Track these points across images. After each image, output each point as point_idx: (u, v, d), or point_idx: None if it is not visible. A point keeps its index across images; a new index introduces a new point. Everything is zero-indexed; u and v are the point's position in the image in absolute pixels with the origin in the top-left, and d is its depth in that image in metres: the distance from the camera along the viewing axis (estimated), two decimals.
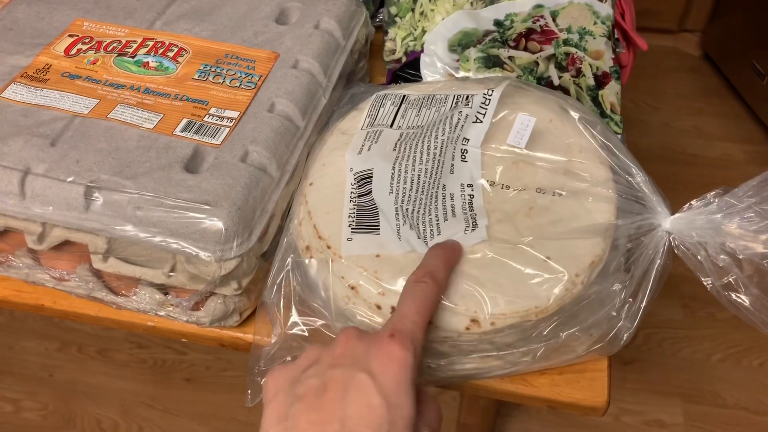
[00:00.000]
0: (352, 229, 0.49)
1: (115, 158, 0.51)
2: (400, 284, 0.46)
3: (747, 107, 1.85)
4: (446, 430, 1.28)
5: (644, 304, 0.47)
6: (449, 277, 0.45)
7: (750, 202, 0.45)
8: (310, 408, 0.36)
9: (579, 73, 0.64)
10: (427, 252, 0.46)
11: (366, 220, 0.49)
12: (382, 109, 0.57)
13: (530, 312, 0.45)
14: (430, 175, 0.51)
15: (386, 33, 0.73)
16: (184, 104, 0.55)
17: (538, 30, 0.66)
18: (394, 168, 0.52)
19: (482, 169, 0.51)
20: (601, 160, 0.51)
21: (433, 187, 0.50)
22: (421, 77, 0.67)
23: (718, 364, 1.37)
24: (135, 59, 0.59)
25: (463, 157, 0.51)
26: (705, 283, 0.46)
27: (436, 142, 0.52)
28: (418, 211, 0.49)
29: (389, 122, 0.56)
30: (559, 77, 0.64)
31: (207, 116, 0.54)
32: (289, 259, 0.50)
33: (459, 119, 0.53)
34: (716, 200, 0.46)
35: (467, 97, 0.55)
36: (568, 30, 0.66)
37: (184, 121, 0.54)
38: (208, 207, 0.47)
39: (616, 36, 0.69)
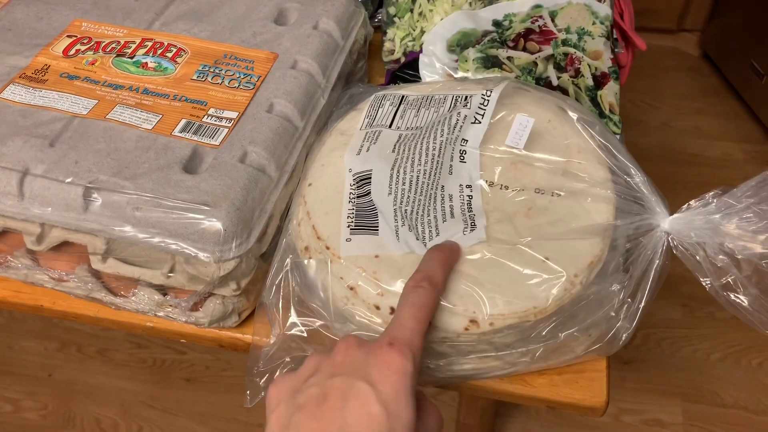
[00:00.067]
0: (350, 229, 0.49)
1: (113, 159, 0.51)
2: (399, 285, 0.46)
3: (746, 107, 1.85)
4: (446, 430, 1.28)
5: (643, 304, 0.47)
6: (447, 279, 0.45)
7: (748, 202, 0.45)
8: (311, 417, 0.36)
9: (578, 73, 0.64)
10: (425, 255, 0.46)
11: (365, 221, 0.49)
12: (380, 110, 0.57)
13: (529, 312, 0.45)
14: (429, 176, 0.51)
15: (385, 33, 0.73)
16: (182, 105, 0.55)
17: (537, 30, 0.66)
18: (393, 169, 0.52)
19: (481, 169, 0.51)
20: (599, 160, 0.51)
21: (431, 188, 0.50)
22: (419, 78, 0.67)
23: (717, 363, 1.38)
24: (134, 60, 0.59)
25: (461, 157, 0.51)
26: (703, 284, 0.46)
27: (435, 143, 0.52)
28: (417, 212, 0.49)
29: (388, 123, 0.56)
30: (558, 77, 0.64)
31: (206, 117, 0.54)
32: (288, 260, 0.50)
33: (458, 120, 0.53)
34: (715, 200, 0.46)
35: (466, 97, 0.55)
36: (567, 30, 0.66)
37: (183, 121, 0.54)
38: (206, 208, 0.47)
39: (614, 36, 0.69)
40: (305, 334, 0.49)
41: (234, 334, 0.55)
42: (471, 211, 0.49)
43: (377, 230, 0.48)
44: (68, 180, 0.49)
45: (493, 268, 0.46)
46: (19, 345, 1.44)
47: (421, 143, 0.53)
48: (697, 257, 0.46)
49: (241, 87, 0.57)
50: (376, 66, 0.75)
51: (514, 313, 0.45)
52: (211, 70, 0.58)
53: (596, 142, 0.51)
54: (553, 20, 0.66)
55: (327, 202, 0.51)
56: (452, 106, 0.55)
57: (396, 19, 0.72)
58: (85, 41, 0.61)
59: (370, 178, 0.51)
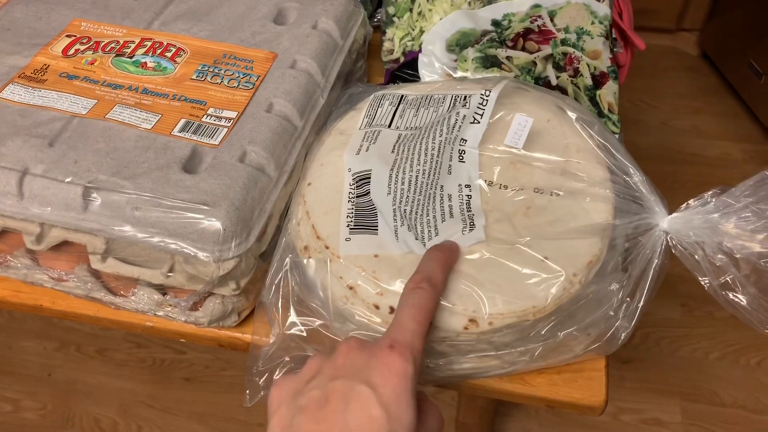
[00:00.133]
0: (350, 229, 0.49)
1: (113, 158, 0.51)
2: (398, 285, 0.46)
3: (745, 106, 1.85)
4: (445, 429, 1.28)
5: (642, 303, 0.47)
6: (447, 280, 0.45)
7: (747, 201, 0.45)
8: (312, 420, 0.36)
9: (577, 72, 0.64)
10: (424, 255, 0.46)
11: (364, 221, 0.49)
12: (380, 109, 0.57)
13: (528, 312, 0.45)
14: (428, 176, 0.51)
15: (384, 33, 0.73)
16: (182, 104, 0.55)
17: (536, 30, 0.66)
18: (392, 169, 0.52)
19: (480, 169, 0.51)
20: (598, 160, 0.51)
21: (431, 188, 0.50)
22: (419, 77, 0.67)
23: (716, 362, 1.38)
24: (133, 59, 0.59)
25: (460, 157, 0.51)
26: (702, 283, 0.46)
27: (434, 143, 0.52)
28: (416, 212, 0.49)
29: (387, 122, 0.56)
30: (557, 77, 0.64)
31: (205, 116, 0.54)
32: (287, 259, 0.50)
33: (456, 120, 0.53)
34: (713, 200, 0.46)
35: (465, 97, 0.55)
36: (566, 30, 0.66)
37: (182, 121, 0.54)
38: (206, 207, 0.47)
39: (613, 35, 0.69)
40: (305, 334, 0.49)
41: (233, 333, 0.55)
42: (470, 210, 0.49)
43: (376, 230, 0.49)
44: (68, 180, 0.49)
45: (492, 268, 0.46)
46: (18, 345, 1.44)
47: (421, 143, 0.53)
48: (696, 256, 0.46)
49: (240, 87, 0.57)
50: (375, 66, 0.75)
51: (513, 313, 0.45)
52: (211, 69, 0.58)
53: (595, 142, 0.52)
54: (552, 20, 0.66)
55: (326, 201, 0.52)
56: (451, 105, 0.55)
57: (395, 19, 0.72)
58: (84, 41, 0.61)
59: (370, 177, 0.51)
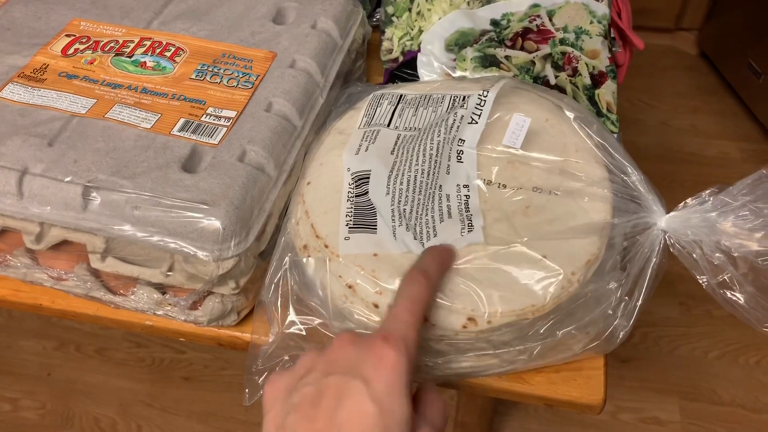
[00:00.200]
0: (349, 228, 0.49)
1: (112, 158, 0.51)
2: (397, 283, 0.46)
3: (744, 106, 1.85)
4: (445, 427, 1.28)
5: (640, 302, 0.47)
6: (443, 276, 0.45)
7: (745, 200, 0.45)
8: (306, 418, 0.36)
9: (575, 72, 0.64)
10: (422, 253, 0.46)
11: (363, 220, 0.49)
12: (379, 109, 0.57)
13: (527, 310, 0.45)
14: (427, 176, 0.51)
15: (383, 32, 0.73)
16: (181, 104, 0.55)
17: (535, 29, 0.66)
18: (391, 169, 0.52)
19: (478, 169, 0.51)
20: (596, 159, 0.51)
21: (429, 188, 0.50)
22: (418, 77, 0.67)
23: (715, 361, 1.38)
24: (132, 59, 0.59)
25: (459, 158, 0.51)
26: (700, 281, 0.46)
27: (432, 143, 0.52)
28: (415, 212, 0.49)
29: (386, 122, 0.56)
30: (556, 76, 0.64)
31: (204, 116, 0.55)
32: (286, 258, 0.51)
33: (455, 120, 0.53)
34: (711, 198, 0.46)
35: (463, 97, 0.55)
36: (565, 29, 0.66)
37: (182, 120, 0.54)
38: (205, 206, 0.48)
39: (612, 35, 0.69)
40: (304, 333, 0.49)
41: (233, 332, 0.55)
42: (468, 211, 0.49)
43: (375, 229, 0.49)
44: (67, 179, 0.49)
45: (490, 267, 0.46)
46: (17, 344, 1.44)
47: (419, 143, 0.53)
48: (694, 255, 0.46)
49: (239, 86, 0.57)
50: (374, 65, 0.75)
51: (512, 311, 0.45)
52: (210, 69, 0.58)
53: (593, 141, 0.52)
54: (550, 19, 0.67)
55: (325, 201, 0.52)
56: (450, 105, 0.55)
57: (394, 19, 0.72)
58: (83, 40, 0.61)
59: (369, 177, 0.51)
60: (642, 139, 1.79)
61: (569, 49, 0.65)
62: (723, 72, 1.93)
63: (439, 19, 0.69)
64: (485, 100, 0.53)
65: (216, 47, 0.60)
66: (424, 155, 0.52)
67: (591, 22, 0.66)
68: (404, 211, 0.49)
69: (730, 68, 1.89)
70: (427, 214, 0.49)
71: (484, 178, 0.51)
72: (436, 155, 0.52)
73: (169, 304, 0.53)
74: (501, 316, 0.45)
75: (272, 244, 0.53)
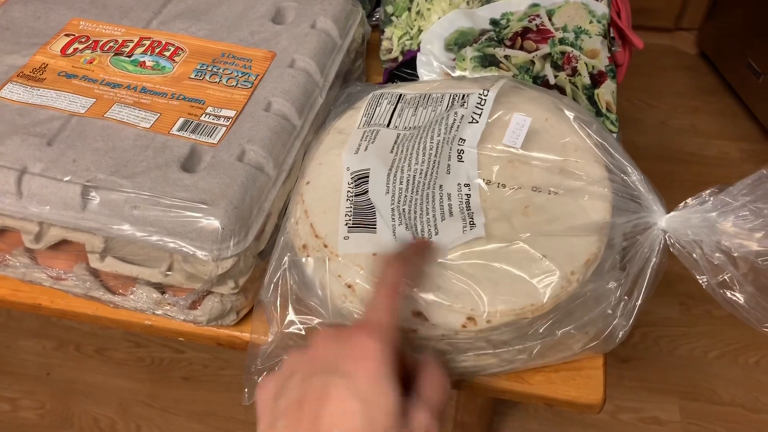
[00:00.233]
0: (348, 228, 0.49)
1: (111, 157, 0.51)
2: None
3: (743, 105, 1.86)
4: (443, 429, 1.28)
5: (639, 302, 0.47)
6: (422, 262, 0.45)
7: (745, 200, 0.45)
8: (292, 424, 0.36)
9: (575, 72, 0.64)
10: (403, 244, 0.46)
11: (363, 220, 0.49)
12: (378, 108, 0.57)
13: (526, 310, 0.45)
14: (426, 176, 0.51)
15: (383, 32, 0.73)
16: (180, 103, 0.55)
17: (534, 29, 0.66)
18: (390, 169, 0.52)
19: (478, 168, 0.51)
20: (596, 159, 0.51)
21: (429, 188, 0.50)
22: (417, 76, 0.67)
23: (715, 361, 1.38)
24: (131, 58, 0.59)
25: (459, 157, 0.51)
26: (700, 281, 0.46)
27: (432, 143, 0.52)
28: (415, 212, 0.49)
29: (386, 121, 0.56)
30: (555, 76, 0.64)
31: (204, 115, 0.54)
32: (285, 258, 0.51)
33: (455, 120, 0.53)
34: (711, 198, 0.46)
35: (463, 96, 0.55)
36: (564, 29, 0.66)
37: (181, 120, 0.54)
38: (204, 206, 0.48)
39: (612, 35, 0.69)
40: (303, 332, 0.49)
41: (232, 332, 0.55)
42: (469, 209, 0.49)
43: (375, 228, 0.49)
44: (66, 178, 0.49)
45: (490, 266, 0.46)
46: (16, 344, 1.44)
47: (419, 143, 0.53)
48: (694, 255, 0.46)
49: (238, 86, 0.57)
50: (373, 65, 0.75)
51: (512, 311, 0.45)
52: (209, 68, 0.58)
53: (593, 141, 0.52)
54: (550, 19, 0.67)
55: (325, 200, 0.52)
56: (450, 105, 0.55)
57: (394, 18, 0.72)
58: (83, 40, 0.61)
59: (368, 176, 0.51)
60: (642, 138, 1.79)
61: (569, 49, 0.65)
62: (722, 72, 1.93)
63: (439, 18, 0.69)
64: (486, 100, 0.53)
65: (215, 47, 0.60)
66: (423, 154, 0.52)
67: (590, 22, 0.66)
68: (404, 211, 0.49)
69: (730, 68, 1.89)
70: (427, 213, 0.49)
71: (485, 178, 0.51)
72: (436, 155, 0.52)
73: (169, 304, 0.53)
74: (500, 316, 0.45)
75: (271, 243, 0.53)
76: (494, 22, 0.68)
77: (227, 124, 0.54)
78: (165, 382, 1.38)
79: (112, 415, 1.34)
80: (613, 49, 0.69)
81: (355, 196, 0.51)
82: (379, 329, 0.38)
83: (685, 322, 1.44)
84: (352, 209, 0.50)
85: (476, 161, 0.51)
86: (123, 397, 1.36)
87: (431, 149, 0.52)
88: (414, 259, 0.45)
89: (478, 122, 0.52)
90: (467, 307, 0.45)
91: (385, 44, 0.72)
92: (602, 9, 0.67)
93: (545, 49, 0.65)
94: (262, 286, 0.51)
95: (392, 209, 0.49)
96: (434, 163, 0.51)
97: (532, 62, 0.64)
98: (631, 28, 0.72)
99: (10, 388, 1.38)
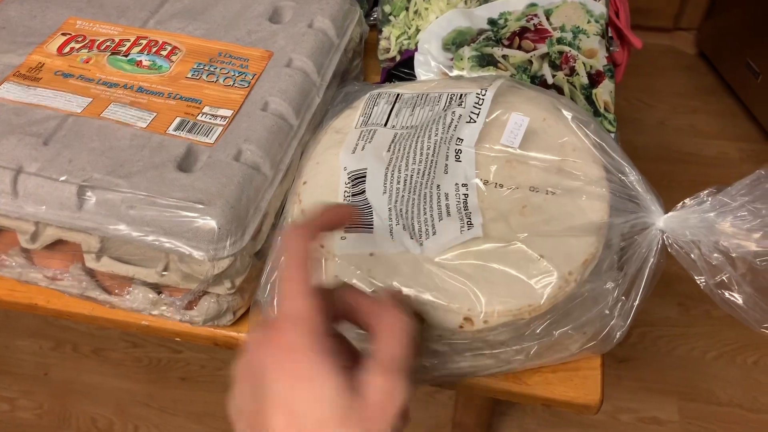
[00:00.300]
0: (345, 227, 0.49)
1: (108, 157, 0.50)
2: (393, 283, 0.46)
3: (742, 105, 1.86)
4: (442, 429, 1.28)
5: (637, 302, 0.47)
6: (326, 224, 0.40)
7: (743, 200, 0.45)
8: None
9: (573, 71, 0.64)
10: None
11: (360, 220, 0.49)
12: (376, 108, 0.57)
13: (523, 310, 0.45)
14: (423, 176, 0.51)
15: (380, 31, 0.73)
16: (177, 103, 0.55)
17: (532, 29, 0.66)
18: (387, 168, 0.51)
19: (476, 168, 0.51)
20: (594, 159, 0.51)
21: (426, 188, 0.50)
22: (415, 76, 0.67)
23: (713, 361, 1.38)
24: (128, 58, 0.59)
25: (457, 157, 0.51)
26: (698, 282, 0.46)
27: (429, 142, 0.52)
28: (412, 211, 0.49)
29: (383, 121, 0.56)
30: (553, 76, 0.64)
31: (200, 115, 0.54)
32: (282, 258, 0.50)
33: (452, 119, 0.53)
34: (710, 199, 0.46)
35: (461, 96, 0.55)
36: (562, 29, 0.66)
37: (178, 119, 0.54)
38: (201, 206, 0.47)
39: (610, 34, 0.69)
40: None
41: (229, 332, 0.55)
42: (467, 209, 0.49)
43: (372, 229, 0.48)
44: (62, 178, 0.49)
45: (487, 266, 0.46)
46: (14, 344, 1.44)
47: (416, 142, 0.53)
48: (692, 255, 0.46)
49: (235, 85, 0.57)
50: (371, 64, 0.75)
51: (509, 311, 0.45)
52: (206, 68, 0.58)
53: (591, 141, 0.51)
54: (548, 18, 0.66)
55: (322, 200, 0.51)
56: (447, 104, 0.55)
57: (391, 18, 0.72)
58: (79, 39, 0.61)
59: (365, 176, 0.51)
60: (640, 138, 1.79)
61: (566, 49, 0.64)
62: (721, 72, 1.93)
63: (437, 18, 0.68)
64: (484, 99, 0.53)
65: (212, 46, 0.60)
66: (421, 154, 0.52)
67: (588, 22, 0.66)
68: (401, 211, 0.49)
69: (729, 68, 1.90)
70: (425, 213, 0.49)
71: (482, 178, 0.51)
72: (433, 154, 0.51)
73: (165, 304, 0.53)
74: (498, 316, 0.45)
75: (268, 243, 0.53)
76: (492, 22, 0.68)
77: (224, 123, 0.54)
78: (162, 383, 1.38)
79: (109, 415, 1.34)
80: (611, 48, 0.69)
81: (352, 195, 0.51)
82: (294, 321, 0.34)
83: (683, 322, 1.44)
84: None
85: (474, 161, 0.51)
86: (120, 398, 1.36)
87: (429, 149, 0.52)
88: (314, 216, 0.39)
89: (475, 122, 0.52)
90: (464, 308, 0.45)
91: (382, 44, 0.72)
92: (600, 9, 0.67)
93: (543, 48, 0.65)
94: (259, 286, 0.51)
95: (389, 209, 0.49)
96: (432, 162, 0.51)
97: (530, 62, 0.64)
98: (630, 28, 0.72)
99: (8, 388, 1.38)
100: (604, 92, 0.63)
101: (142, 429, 1.32)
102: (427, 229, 0.48)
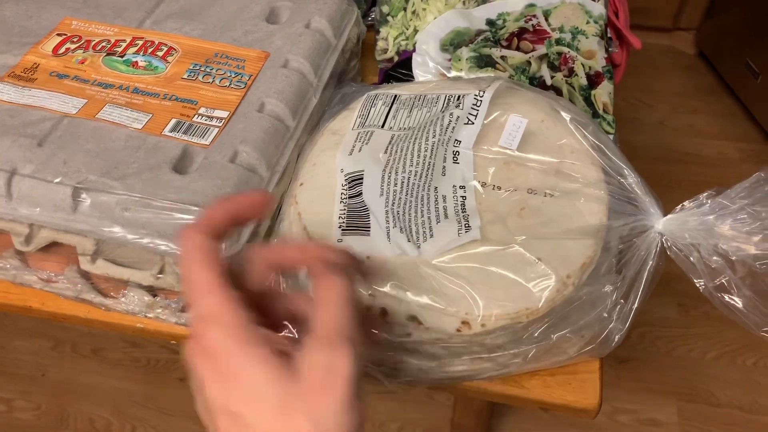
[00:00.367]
0: (342, 230, 0.49)
1: (103, 159, 0.50)
2: (390, 287, 0.45)
3: (742, 106, 1.85)
4: (441, 429, 1.28)
5: (636, 305, 0.46)
6: (227, 217, 0.36)
7: (742, 203, 0.44)
8: None
9: (571, 72, 0.63)
10: None
11: (356, 222, 0.49)
12: (373, 109, 0.57)
13: (521, 313, 0.45)
14: (421, 178, 0.50)
15: (378, 32, 0.72)
16: (173, 104, 0.55)
17: (531, 29, 0.66)
18: (384, 170, 0.51)
19: (474, 170, 0.50)
20: (592, 161, 0.50)
21: (423, 190, 0.50)
22: (412, 77, 0.67)
23: (713, 362, 1.38)
24: (124, 59, 0.59)
25: (455, 158, 0.51)
26: (697, 285, 0.45)
27: (427, 144, 0.52)
28: (409, 214, 0.49)
29: (380, 122, 0.55)
30: (552, 77, 0.63)
31: (196, 116, 0.54)
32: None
33: (450, 121, 0.53)
34: (709, 201, 0.46)
35: (459, 97, 0.54)
36: (561, 29, 0.65)
37: (173, 121, 0.53)
38: (196, 208, 0.47)
39: (609, 35, 0.69)
40: (296, 335, 0.48)
41: None
42: (465, 211, 0.48)
43: (368, 231, 0.48)
44: (57, 180, 0.49)
45: (485, 269, 0.46)
46: (12, 344, 1.44)
47: (413, 144, 0.52)
48: (691, 258, 0.45)
49: (232, 86, 0.56)
50: (369, 65, 0.74)
51: (506, 315, 0.44)
52: (202, 69, 0.58)
53: (589, 143, 0.51)
54: (546, 19, 0.66)
55: (318, 202, 0.51)
56: (445, 106, 0.54)
57: (389, 18, 0.72)
58: (75, 40, 0.60)
59: (362, 178, 0.51)
60: (639, 138, 1.79)
61: (565, 50, 0.64)
62: (721, 72, 1.93)
63: (435, 18, 0.68)
64: (481, 101, 0.52)
65: (208, 47, 0.60)
66: (418, 156, 0.51)
67: (587, 22, 0.66)
68: (398, 213, 0.49)
69: (728, 68, 1.89)
70: (422, 215, 0.48)
71: (480, 180, 0.50)
72: (431, 156, 0.51)
73: (160, 307, 0.53)
74: (495, 320, 0.44)
75: None
76: (490, 23, 0.67)
77: (220, 125, 0.53)
78: (161, 383, 1.38)
79: (107, 415, 1.33)
80: (610, 49, 0.68)
81: (349, 198, 0.50)
82: (208, 321, 0.32)
83: (683, 323, 1.43)
84: (345, 211, 0.50)
85: (472, 163, 0.51)
86: (119, 398, 1.36)
87: (426, 151, 0.52)
88: (210, 217, 0.36)
89: (473, 123, 0.52)
90: (462, 311, 0.45)
91: (380, 44, 0.72)
92: (599, 9, 0.66)
93: (542, 49, 0.64)
94: None
95: (386, 211, 0.49)
96: (429, 164, 0.51)
97: (529, 63, 0.64)
98: (629, 28, 0.72)
99: (6, 389, 1.37)
100: (603, 93, 0.63)
101: (140, 429, 1.32)
102: (424, 232, 0.47)
